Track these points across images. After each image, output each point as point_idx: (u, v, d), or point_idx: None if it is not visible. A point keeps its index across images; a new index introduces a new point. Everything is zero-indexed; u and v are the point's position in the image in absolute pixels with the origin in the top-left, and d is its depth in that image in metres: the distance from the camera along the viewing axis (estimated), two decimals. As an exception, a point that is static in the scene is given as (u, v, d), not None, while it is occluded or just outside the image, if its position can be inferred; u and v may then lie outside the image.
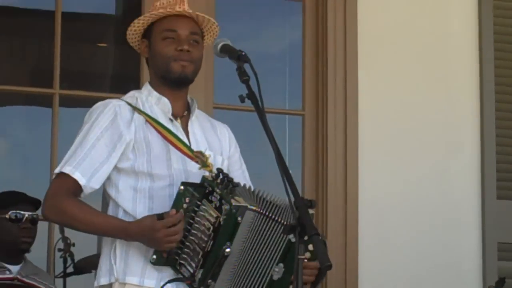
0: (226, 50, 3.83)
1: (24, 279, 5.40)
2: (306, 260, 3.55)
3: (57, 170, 3.90)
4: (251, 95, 3.61)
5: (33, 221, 5.49)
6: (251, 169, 4.31)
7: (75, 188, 3.85)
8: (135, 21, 4.09)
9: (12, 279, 5.36)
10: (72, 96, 6.61)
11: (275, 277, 3.74)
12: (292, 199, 3.42)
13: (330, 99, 6.50)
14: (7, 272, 5.38)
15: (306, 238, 3.34)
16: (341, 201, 6.45)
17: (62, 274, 5.78)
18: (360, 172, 6.53)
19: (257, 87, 3.61)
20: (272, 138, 3.56)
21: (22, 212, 5.44)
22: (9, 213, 5.43)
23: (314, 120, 6.61)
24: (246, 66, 3.70)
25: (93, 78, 7.20)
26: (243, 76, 3.66)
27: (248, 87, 3.63)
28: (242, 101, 3.61)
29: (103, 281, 3.90)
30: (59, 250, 5.81)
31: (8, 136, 7.13)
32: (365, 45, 6.62)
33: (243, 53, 3.75)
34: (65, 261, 5.76)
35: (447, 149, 6.73)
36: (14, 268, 5.43)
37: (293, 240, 3.51)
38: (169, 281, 3.75)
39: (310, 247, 3.60)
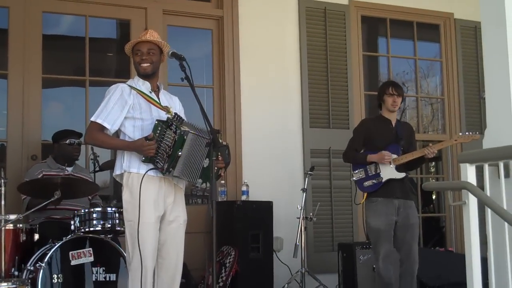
0: (173, 55, 3.99)
1: (75, 174, 5.42)
2: (220, 158, 3.97)
3: (93, 119, 4.05)
4: (186, 77, 3.86)
5: (79, 144, 5.46)
6: (187, 114, 4.32)
7: (103, 129, 4.03)
8: (126, 45, 4.24)
9: (68, 175, 5.35)
10: (96, 80, 6.30)
11: (205, 165, 3.97)
12: (209, 129, 3.77)
13: (227, 79, 6.64)
14: (66, 170, 5.41)
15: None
16: (233, 129, 6.62)
17: (93, 171, 5.67)
18: (242, 115, 6.66)
19: (189, 73, 3.86)
20: (197, 98, 3.85)
21: (73, 140, 5.41)
22: (67, 140, 5.41)
23: (219, 90, 6.70)
24: (184, 63, 3.88)
25: (107, 71, 6.92)
26: (182, 67, 3.86)
27: (185, 73, 3.85)
28: (182, 80, 3.85)
29: (118, 172, 4.08)
30: (91, 159, 5.72)
31: (62, 102, 6.83)
32: (243, 52, 6.72)
33: (182, 55, 3.93)
34: (94, 164, 5.67)
35: (285, 102, 6.88)
36: (69, 169, 5.45)
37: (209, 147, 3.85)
38: (151, 168, 3.96)
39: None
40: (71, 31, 6.72)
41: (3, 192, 4.58)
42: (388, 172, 5.29)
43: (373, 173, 5.33)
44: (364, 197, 5.38)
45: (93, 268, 4.64)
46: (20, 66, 5.93)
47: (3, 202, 4.58)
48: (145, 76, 4.20)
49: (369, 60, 7.88)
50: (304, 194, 6.09)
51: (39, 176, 5.30)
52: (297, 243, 5.92)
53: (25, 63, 5.95)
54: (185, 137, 3.92)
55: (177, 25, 6.68)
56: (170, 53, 4.05)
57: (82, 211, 4.87)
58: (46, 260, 4.46)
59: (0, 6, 6.00)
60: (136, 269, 3.94)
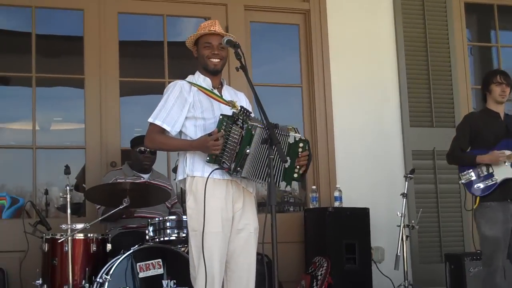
0: (228, 42, 3.73)
1: (152, 181, 5.18)
2: (301, 155, 3.64)
3: (150, 120, 3.80)
4: (242, 67, 3.59)
5: (152, 152, 5.23)
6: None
7: (163, 131, 3.77)
8: (191, 36, 3.93)
9: (145, 182, 5.14)
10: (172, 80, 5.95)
11: (287, 166, 3.65)
12: (265, 123, 3.49)
13: (316, 78, 6.30)
14: (142, 178, 5.20)
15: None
16: (324, 130, 6.25)
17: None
18: (334, 115, 6.29)
19: (244, 61, 3.59)
20: (253, 89, 3.55)
21: (143, 148, 5.17)
22: (138, 148, 5.22)
23: (308, 89, 6.37)
24: (239, 51, 3.61)
25: (185, 74, 6.61)
26: (237, 56, 3.61)
27: (240, 62, 3.60)
28: (237, 70, 3.59)
29: (180, 177, 3.80)
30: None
31: (141, 107, 6.46)
32: (333, 47, 6.38)
33: (237, 43, 3.68)
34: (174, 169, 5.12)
35: (382, 100, 6.47)
36: (146, 176, 5.24)
37: (292, 141, 3.60)
38: (216, 169, 3.62)
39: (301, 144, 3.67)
40: (148, 35, 6.58)
41: (68, 199, 4.35)
42: (503, 171, 4.81)
43: (485, 173, 4.88)
44: (477, 202, 4.87)
45: (164, 281, 4.30)
46: (97, 69, 5.78)
47: (69, 211, 4.33)
48: (213, 72, 3.91)
49: (478, 51, 7.42)
50: (405, 199, 5.62)
51: None
52: (398, 254, 5.51)
53: (101, 66, 5.79)
54: (253, 131, 3.59)
55: (261, 21, 6.43)
56: (225, 41, 3.76)
57: (157, 219, 4.58)
58: (111, 272, 4.16)
59: (74, 9, 5.91)
60: (201, 284, 3.59)
